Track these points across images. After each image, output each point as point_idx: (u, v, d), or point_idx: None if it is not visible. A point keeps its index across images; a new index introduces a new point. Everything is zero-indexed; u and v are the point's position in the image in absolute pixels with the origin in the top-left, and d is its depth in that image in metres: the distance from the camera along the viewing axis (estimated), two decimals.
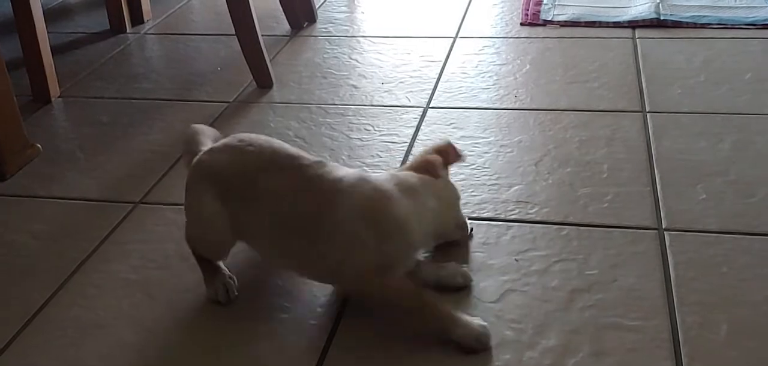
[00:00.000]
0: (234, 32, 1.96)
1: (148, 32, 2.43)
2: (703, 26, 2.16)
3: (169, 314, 1.20)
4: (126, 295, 1.25)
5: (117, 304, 1.23)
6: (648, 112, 1.71)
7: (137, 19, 2.48)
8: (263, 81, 1.96)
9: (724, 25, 2.15)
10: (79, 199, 1.54)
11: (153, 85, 2.06)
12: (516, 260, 1.26)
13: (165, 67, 2.19)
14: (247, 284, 1.25)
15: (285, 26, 2.36)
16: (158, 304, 1.23)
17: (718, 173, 1.46)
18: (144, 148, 1.72)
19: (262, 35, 1.98)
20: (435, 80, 1.95)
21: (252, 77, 1.98)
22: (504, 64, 2.02)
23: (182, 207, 1.24)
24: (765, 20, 2.15)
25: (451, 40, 2.20)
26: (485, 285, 1.21)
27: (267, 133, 1.72)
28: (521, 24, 2.28)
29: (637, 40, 2.10)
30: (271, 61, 2.03)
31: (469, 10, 2.42)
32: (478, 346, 1.08)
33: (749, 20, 2.16)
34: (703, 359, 1.05)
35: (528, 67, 1.99)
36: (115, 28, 2.44)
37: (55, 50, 2.05)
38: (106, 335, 1.17)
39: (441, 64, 2.04)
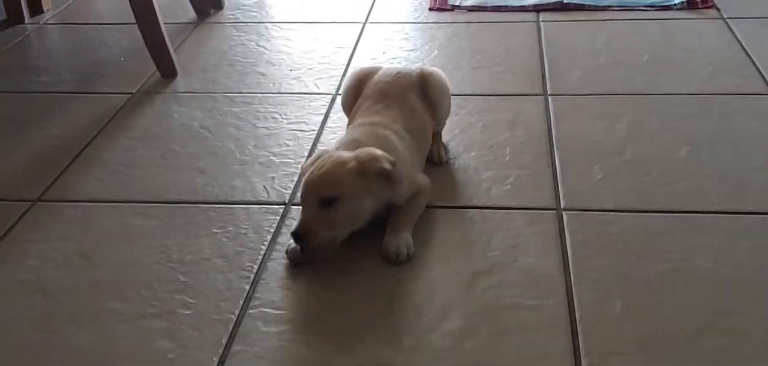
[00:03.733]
0: None
1: (48, 22, 2.35)
2: (604, 8, 2.22)
3: (69, 314, 1.17)
4: (23, 297, 1.21)
5: (14, 307, 1.19)
6: (549, 95, 1.75)
7: (36, 8, 2.39)
8: (167, 70, 1.92)
9: (623, 7, 2.22)
10: None
11: (52, 77, 1.99)
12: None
13: (65, 58, 2.12)
14: (147, 280, 1.22)
15: (190, 13, 2.31)
16: (58, 304, 1.19)
17: (615, 153, 1.51)
18: (43, 144, 1.66)
19: (167, 23, 1.94)
20: (344, 66, 1.95)
21: (156, 67, 1.93)
22: (413, 49, 2.04)
23: (82, 204, 1.21)
24: (662, 1, 2.23)
25: (361, 25, 2.20)
26: (389, 270, 1.23)
27: (170, 125, 1.70)
28: (430, 9, 2.30)
29: (541, 23, 2.14)
30: (175, 49, 1.99)
31: None
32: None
33: (648, 1, 2.24)
34: (598, 336, 1.08)
35: (436, 52, 2.01)
36: (12, 19, 2.34)
37: None
38: (3, 338, 1.13)
39: (350, 50, 2.04)
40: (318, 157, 1.27)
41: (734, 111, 1.65)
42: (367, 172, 1.22)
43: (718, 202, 1.36)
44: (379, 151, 1.25)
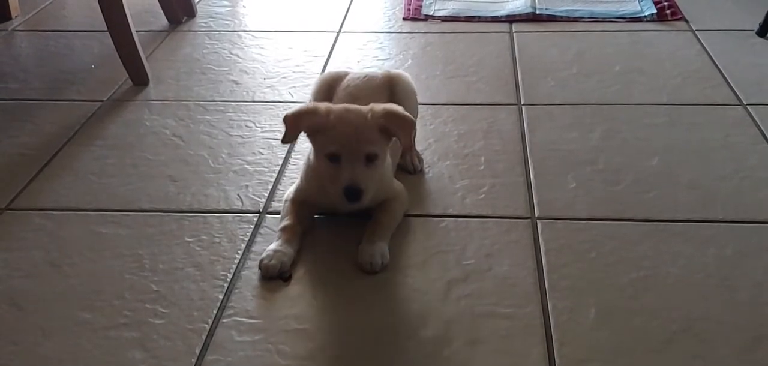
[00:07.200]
0: None
1: (16, 29, 2.31)
2: (576, 20, 2.24)
3: (38, 325, 1.15)
4: None
5: None
6: (523, 104, 1.76)
7: (4, 15, 2.35)
8: (138, 78, 1.90)
9: (595, 19, 2.24)
10: None
11: (21, 84, 1.96)
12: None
13: (34, 65, 2.09)
14: (118, 289, 1.21)
15: (163, 21, 2.29)
16: (26, 314, 1.17)
17: (587, 162, 1.52)
18: (11, 152, 1.63)
19: (139, 31, 1.92)
20: (319, 75, 1.94)
21: (127, 75, 1.91)
22: (387, 59, 2.04)
23: (52, 212, 1.19)
24: (633, 13, 2.26)
25: (335, 35, 2.20)
26: (364, 278, 1.22)
27: (142, 133, 1.68)
28: (404, 19, 2.30)
29: (514, 34, 2.16)
30: (147, 57, 1.97)
31: (352, 4, 2.42)
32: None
33: (618, 13, 2.26)
34: (572, 343, 1.09)
35: (410, 61, 2.02)
36: None
37: None
38: None
39: (324, 59, 2.04)
40: (329, 111, 1.29)
41: (703, 121, 1.67)
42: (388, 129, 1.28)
43: (688, 211, 1.37)
44: (396, 107, 1.30)
